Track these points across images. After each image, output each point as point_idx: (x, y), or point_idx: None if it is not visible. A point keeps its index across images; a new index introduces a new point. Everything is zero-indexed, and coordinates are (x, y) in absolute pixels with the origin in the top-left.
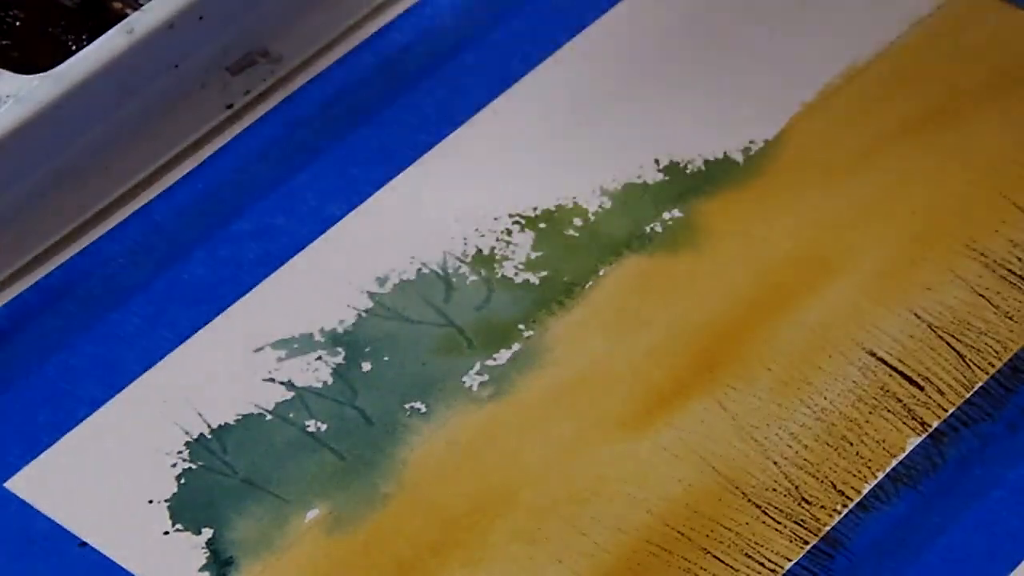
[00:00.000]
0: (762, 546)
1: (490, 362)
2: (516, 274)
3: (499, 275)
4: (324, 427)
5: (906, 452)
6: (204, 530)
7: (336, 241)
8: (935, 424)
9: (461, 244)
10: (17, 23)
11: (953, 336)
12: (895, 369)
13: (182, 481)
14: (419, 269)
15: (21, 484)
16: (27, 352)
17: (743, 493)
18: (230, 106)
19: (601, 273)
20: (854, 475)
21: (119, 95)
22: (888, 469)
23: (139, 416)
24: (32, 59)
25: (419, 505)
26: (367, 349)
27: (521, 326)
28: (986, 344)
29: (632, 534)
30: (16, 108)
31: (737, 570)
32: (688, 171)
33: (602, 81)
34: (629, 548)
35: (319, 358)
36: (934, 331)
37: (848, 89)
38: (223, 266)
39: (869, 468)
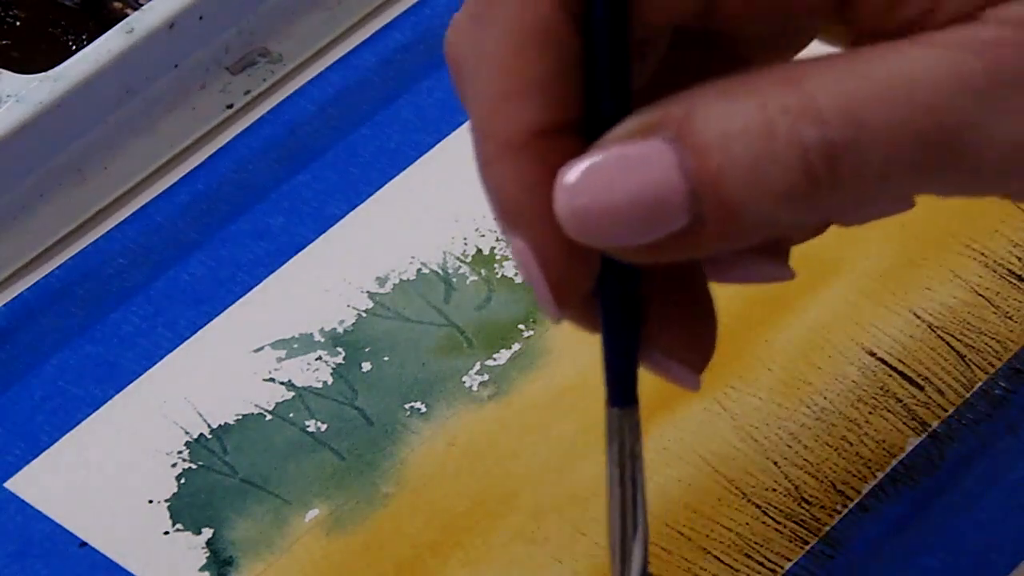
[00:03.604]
0: (762, 546)
1: (490, 362)
2: (516, 274)
3: (499, 275)
4: (324, 427)
5: (906, 452)
6: (204, 530)
7: (336, 241)
8: (935, 424)
9: (461, 244)
10: (17, 23)
11: (953, 336)
12: (895, 369)
13: (182, 481)
14: (419, 269)
15: (21, 484)
16: (27, 352)
17: (743, 493)
18: (230, 106)
19: None
20: (854, 475)
21: (119, 95)
22: (888, 469)
23: (139, 416)
24: (32, 59)
25: (419, 505)
26: (367, 349)
27: (521, 326)
28: (986, 344)
29: None
30: (16, 108)
31: (737, 570)
32: None
33: None
34: None
35: (319, 358)
36: (934, 331)
37: None
38: (223, 266)
39: (869, 468)
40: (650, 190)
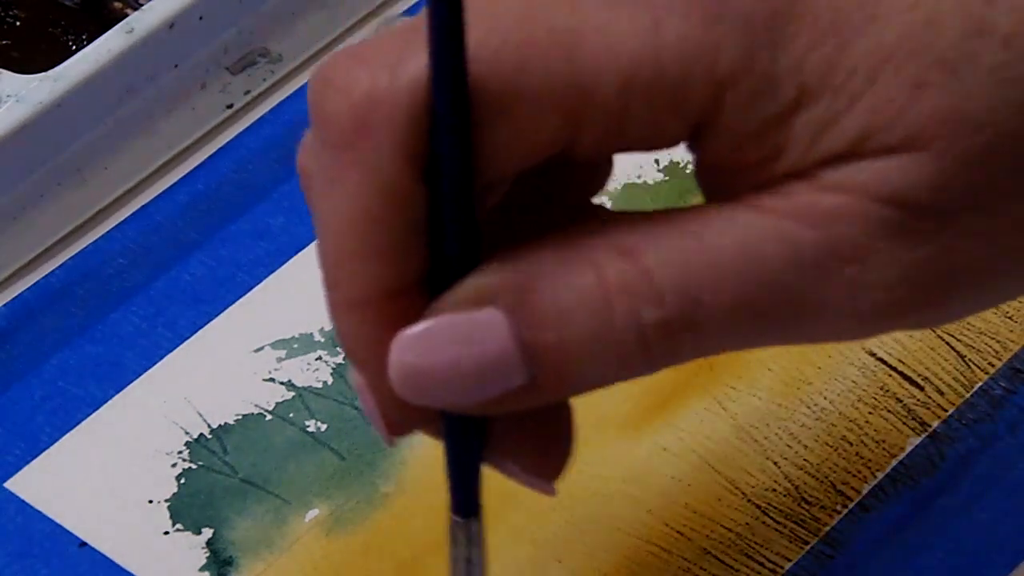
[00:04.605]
0: (762, 546)
1: None
2: None
3: None
4: (324, 427)
5: (906, 452)
6: (204, 530)
7: None
8: (935, 424)
9: None
10: (17, 23)
11: (953, 336)
12: (895, 369)
13: (182, 481)
14: None
15: (21, 484)
16: (27, 352)
17: (743, 493)
18: (230, 106)
19: None
20: (854, 475)
21: (119, 95)
22: (888, 469)
23: (139, 416)
24: (32, 59)
25: (419, 505)
26: None
27: None
28: (986, 344)
29: (631, 534)
30: (16, 108)
31: (737, 570)
32: (688, 171)
33: None
34: (628, 548)
35: (319, 358)
36: (934, 331)
37: None
38: (223, 266)
39: (869, 468)
40: (483, 359)
